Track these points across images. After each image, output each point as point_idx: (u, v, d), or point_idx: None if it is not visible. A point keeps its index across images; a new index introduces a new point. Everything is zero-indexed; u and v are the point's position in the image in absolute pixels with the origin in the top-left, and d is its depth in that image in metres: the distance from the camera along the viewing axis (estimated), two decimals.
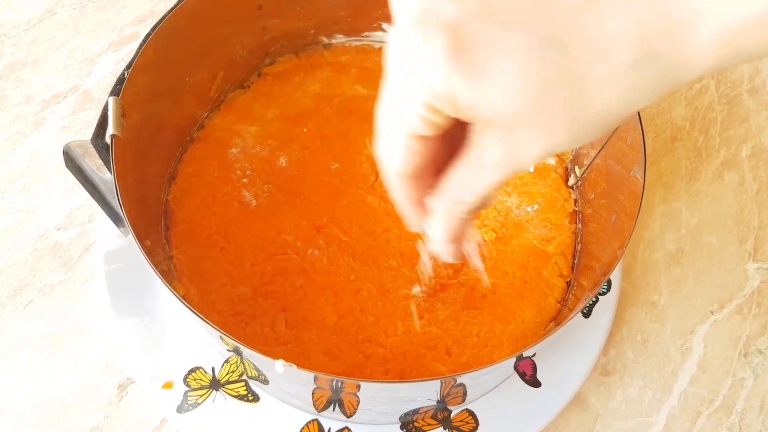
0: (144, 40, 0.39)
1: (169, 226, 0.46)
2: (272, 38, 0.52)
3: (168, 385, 0.44)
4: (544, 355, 0.46)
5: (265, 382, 0.41)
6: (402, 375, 0.42)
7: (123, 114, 0.37)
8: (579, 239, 0.48)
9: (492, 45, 0.21)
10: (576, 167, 0.49)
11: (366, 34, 0.55)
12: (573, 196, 0.50)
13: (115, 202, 0.37)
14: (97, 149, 0.36)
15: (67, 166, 0.37)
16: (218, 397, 0.43)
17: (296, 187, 0.48)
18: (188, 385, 0.44)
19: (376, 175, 0.49)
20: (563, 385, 0.45)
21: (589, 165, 0.47)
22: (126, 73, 0.38)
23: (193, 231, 0.46)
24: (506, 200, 0.49)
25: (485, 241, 0.47)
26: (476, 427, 0.43)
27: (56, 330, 0.48)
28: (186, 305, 0.32)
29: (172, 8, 0.42)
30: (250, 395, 0.44)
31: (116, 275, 0.46)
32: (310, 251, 0.45)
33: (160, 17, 0.41)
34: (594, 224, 0.47)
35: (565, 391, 0.45)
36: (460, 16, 0.21)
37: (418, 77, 0.23)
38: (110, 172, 0.36)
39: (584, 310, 0.46)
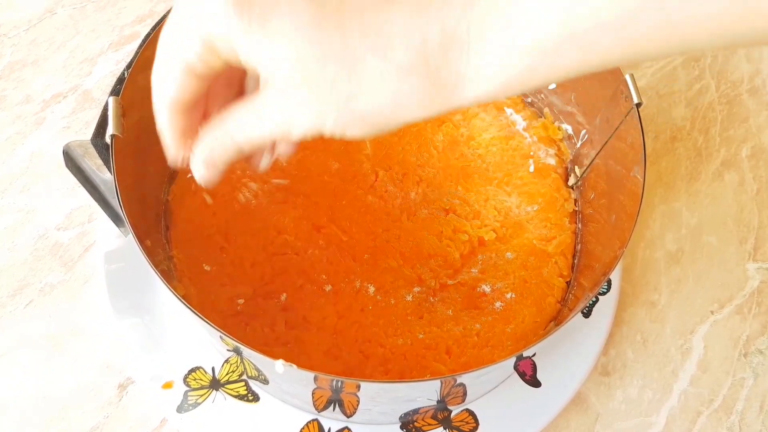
0: (144, 40, 0.39)
1: (169, 226, 0.46)
2: None
3: (168, 385, 0.44)
4: (544, 355, 0.46)
5: (265, 382, 0.41)
6: (402, 375, 0.42)
7: (123, 114, 0.37)
8: (579, 239, 0.48)
9: (276, 2, 0.22)
10: (576, 167, 0.49)
11: None
12: (573, 196, 0.50)
13: (115, 202, 0.37)
14: (97, 149, 0.36)
15: (67, 166, 0.37)
16: (218, 397, 0.43)
17: (296, 187, 0.48)
18: (188, 385, 0.44)
19: (377, 175, 0.49)
20: (563, 385, 0.45)
21: (589, 165, 0.47)
22: (126, 73, 0.38)
23: (193, 231, 0.46)
24: (506, 200, 0.49)
25: (485, 240, 0.47)
26: (476, 427, 0.43)
27: (56, 330, 0.48)
28: (186, 305, 0.32)
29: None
30: (250, 395, 0.44)
31: (116, 275, 0.46)
32: (310, 251, 0.45)
33: (160, 17, 0.41)
34: (594, 224, 0.47)
35: (565, 391, 0.45)
36: None
37: (202, 15, 0.23)
38: (110, 172, 0.36)
39: (584, 310, 0.46)
